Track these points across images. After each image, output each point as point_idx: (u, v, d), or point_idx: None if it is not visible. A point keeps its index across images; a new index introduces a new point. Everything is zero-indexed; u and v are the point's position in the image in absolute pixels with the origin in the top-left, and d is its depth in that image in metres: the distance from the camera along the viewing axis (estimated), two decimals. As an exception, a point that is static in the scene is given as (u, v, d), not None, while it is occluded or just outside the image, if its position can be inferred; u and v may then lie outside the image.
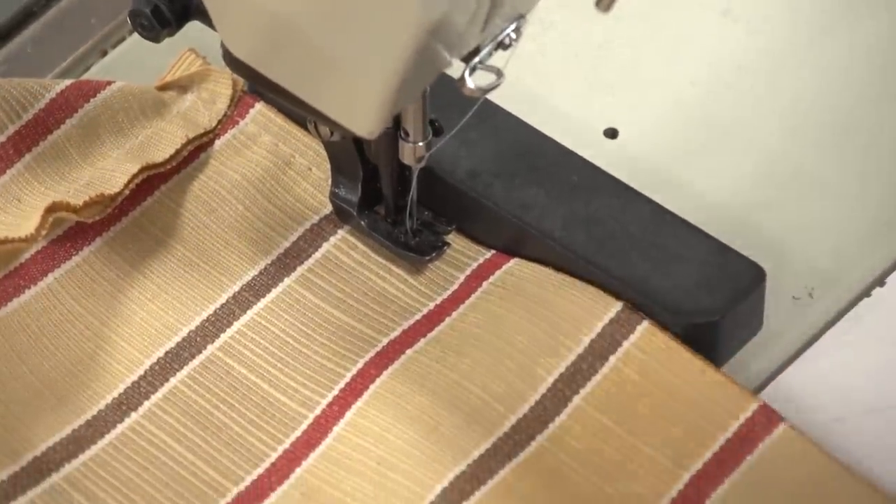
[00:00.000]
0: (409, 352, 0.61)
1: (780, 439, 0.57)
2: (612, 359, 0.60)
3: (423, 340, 0.61)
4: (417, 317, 0.62)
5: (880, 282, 0.60)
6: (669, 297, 0.58)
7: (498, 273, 0.62)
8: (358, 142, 0.59)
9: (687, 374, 0.57)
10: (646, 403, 0.56)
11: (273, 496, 0.59)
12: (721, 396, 0.56)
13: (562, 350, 0.57)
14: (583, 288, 0.58)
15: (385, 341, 0.62)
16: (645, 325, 0.58)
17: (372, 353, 0.61)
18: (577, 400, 0.59)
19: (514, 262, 0.61)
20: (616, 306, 0.58)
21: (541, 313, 0.57)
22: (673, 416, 0.56)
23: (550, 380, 0.59)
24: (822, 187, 0.64)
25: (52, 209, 0.62)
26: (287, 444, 0.60)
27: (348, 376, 0.61)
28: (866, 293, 0.59)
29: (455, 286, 0.61)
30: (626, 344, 0.60)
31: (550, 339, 0.57)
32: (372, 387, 0.60)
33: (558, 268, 0.61)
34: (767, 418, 0.56)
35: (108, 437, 0.59)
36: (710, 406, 0.56)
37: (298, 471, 0.59)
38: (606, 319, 0.58)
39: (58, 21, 0.68)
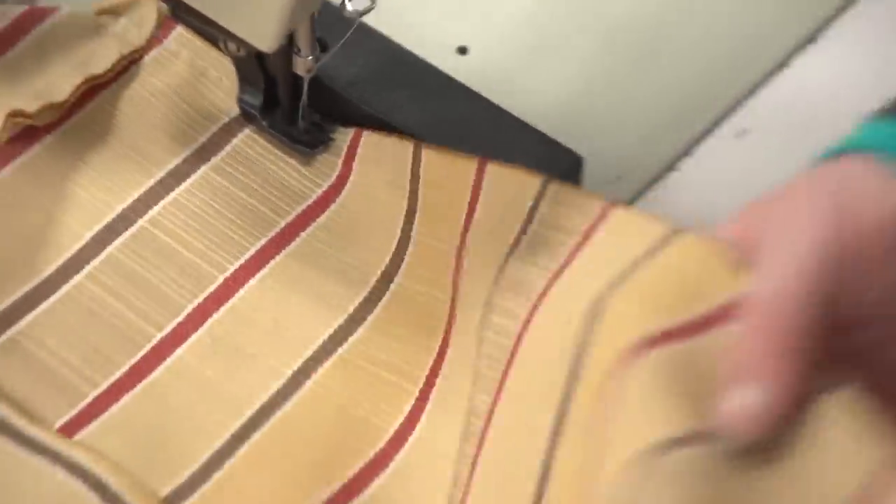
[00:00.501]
0: (303, 234, 0.70)
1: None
2: None
3: (313, 225, 0.70)
4: (309, 202, 0.71)
5: (674, 168, 0.73)
6: None
7: (359, 150, 0.70)
8: (260, 56, 0.68)
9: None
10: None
11: (189, 341, 0.68)
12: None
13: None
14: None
15: (283, 223, 0.71)
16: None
17: (272, 234, 0.70)
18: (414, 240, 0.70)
19: (365, 135, 0.69)
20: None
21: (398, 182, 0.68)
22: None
23: (398, 231, 0.69)
24: (631, 90, 0.75)
25: (12, 115, 0.69)
26: (201, 298, 0.69)
27: (252, 250, 0.70)
28: (661, 176, 0.72)
29: (337, 170, 0.70)
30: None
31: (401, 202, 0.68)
32: (272, 262, 0.70)
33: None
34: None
35: (55, 296, 0.68)
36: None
37: (209, 321, 0.68)
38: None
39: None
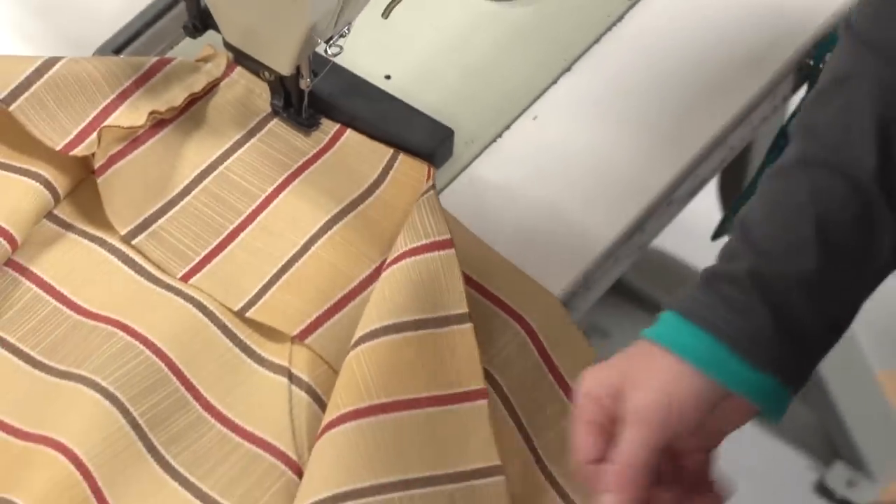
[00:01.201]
0: (305, 173, 1.04)
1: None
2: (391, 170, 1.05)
3: (311, 168, 1.04)
4: (308, 155, 1.05)
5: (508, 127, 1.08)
6: (410, 142, 1.06)
7: (337, 144, 1.05)
8: (281, 79, 1.03)
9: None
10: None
11: (251, 226, 1.01)
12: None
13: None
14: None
15: (294, 166, 1.04)
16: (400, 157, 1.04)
17: (288, 173, 1.04)
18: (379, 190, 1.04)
19: (346, 135, 1.05)
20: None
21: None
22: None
23: (366, 184, 1.04)
24: (481, 80, 1.10)
25: (151, 113, 1.03)
26: (253, 206, 1.02)
27: (279, 180, 1.03)
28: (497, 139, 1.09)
29: (326, 141, 1.05)
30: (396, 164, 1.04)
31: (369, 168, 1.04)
32: (288, 187, 1.03)
33: (361, 131, 1.06)
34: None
35: (179, 205, 1.05)
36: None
37: (258, 218, 1.02)
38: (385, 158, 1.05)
39: (158, 33, 1.12)
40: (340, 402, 0.90)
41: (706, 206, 1.57)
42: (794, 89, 1.20)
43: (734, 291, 0.86)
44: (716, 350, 0.85)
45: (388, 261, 0.96)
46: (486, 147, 1.10)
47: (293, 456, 0.94)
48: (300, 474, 0.93)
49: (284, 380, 0.98)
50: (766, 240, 0.86)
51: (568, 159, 1.09)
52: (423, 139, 1.06)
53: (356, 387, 0.90)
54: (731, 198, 1.63)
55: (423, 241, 0.95)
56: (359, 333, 0.93)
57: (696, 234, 1.49)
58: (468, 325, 0.93)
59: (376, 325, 0.92)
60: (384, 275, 0.95)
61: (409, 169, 1.05)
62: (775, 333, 0.85)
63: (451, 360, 0.93)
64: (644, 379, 0.85)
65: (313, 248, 1.02)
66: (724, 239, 0.89)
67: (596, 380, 0.86)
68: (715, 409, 0.85)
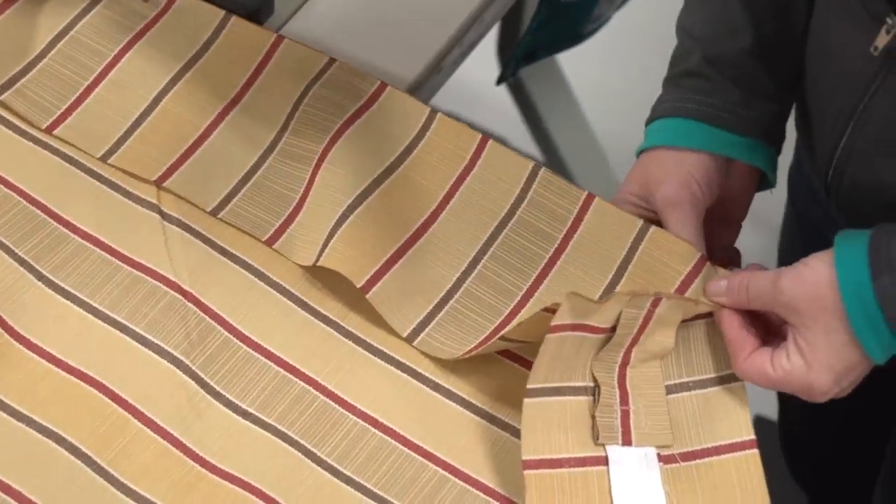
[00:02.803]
0: (139, 42, 1.13)
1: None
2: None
3: (147, 34, 1.13)
4: (143, 24, 1.13)
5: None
6: (236, 1, 1.18)
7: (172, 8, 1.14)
8: None
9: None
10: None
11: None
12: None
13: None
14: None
15: (130, 35, 1.13)
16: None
17: (125, 40, 1.13)
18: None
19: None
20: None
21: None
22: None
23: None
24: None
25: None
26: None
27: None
28: None
29: (160, 6, 1.14)
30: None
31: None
32: (126, 56, 1.12)
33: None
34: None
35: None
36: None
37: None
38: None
39: None
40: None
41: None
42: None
43: (697, 82, 1.04)
44: (706, 130, 1.03)
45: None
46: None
47: (173, 278, 1.05)
48: (181, 293, 1.04)
49: (156, 215, 1.09)
50: (708, 30, 1.04)
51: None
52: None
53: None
54: (508, 50, 1.80)
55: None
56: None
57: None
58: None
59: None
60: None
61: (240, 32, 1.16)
62: (744, 101, 1.03)
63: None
64: (662, 176, 1.02)
65: (163, 102, 1.13)
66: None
67: (622, 194, 1.05)
68: (729, 176, 1.04)
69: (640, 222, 1.04)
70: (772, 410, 1.59)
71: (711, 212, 1.04)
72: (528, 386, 0.95)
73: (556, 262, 1.04)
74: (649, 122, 1.05)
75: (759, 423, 1.92)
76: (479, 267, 1.04)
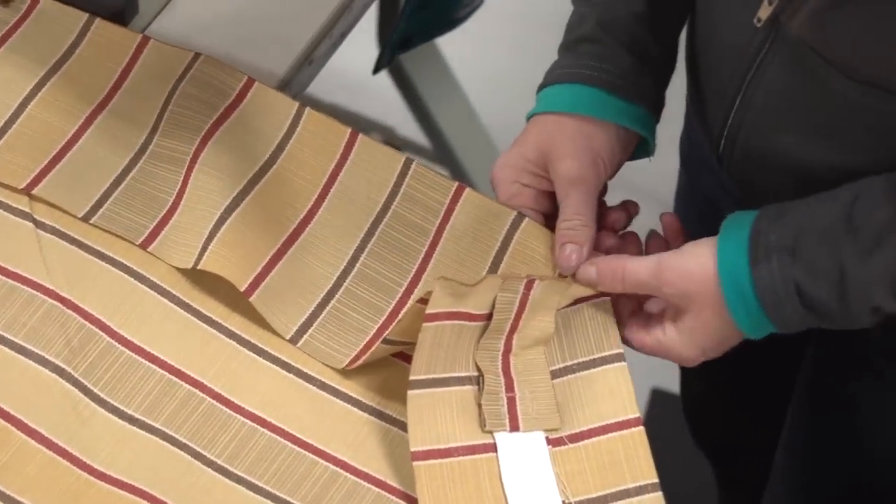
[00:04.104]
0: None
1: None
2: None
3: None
4: (4, 29, 1.14)
5: None
6: (100, 3, 1.15)
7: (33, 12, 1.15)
8: None
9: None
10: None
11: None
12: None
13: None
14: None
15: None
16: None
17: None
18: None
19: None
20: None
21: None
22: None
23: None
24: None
25: None
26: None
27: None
28: None
29: (20, 12, 1.16)
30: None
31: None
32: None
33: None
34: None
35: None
36: None
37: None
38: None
39: None
40: None
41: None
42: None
43: (592, 47, 1.04)
44: (601, 97, 1.02)
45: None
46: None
47: (50, 286, 1.04)
48: (60, 300, 1.03)
49: (29, 223, 1.07)
50: None
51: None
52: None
53: None
54: (387, 34, 1.80)
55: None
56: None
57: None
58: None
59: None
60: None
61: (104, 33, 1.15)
62: (636, 68, 1.03)
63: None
64: (567, 149, 1.00)
65: (29, 108, 1.12)
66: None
67: (516, 160, 1.03)
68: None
69: (514, 213, 1.04)
70: (674, 383, 1.61)
71: None
72: (411, 378, 0.95)
73: (431, 256, 1.04)
74: (543, 87, 1.05)
75: (663, 395, 1.97)
76: (357, 265, 1.05)
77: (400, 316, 1.02)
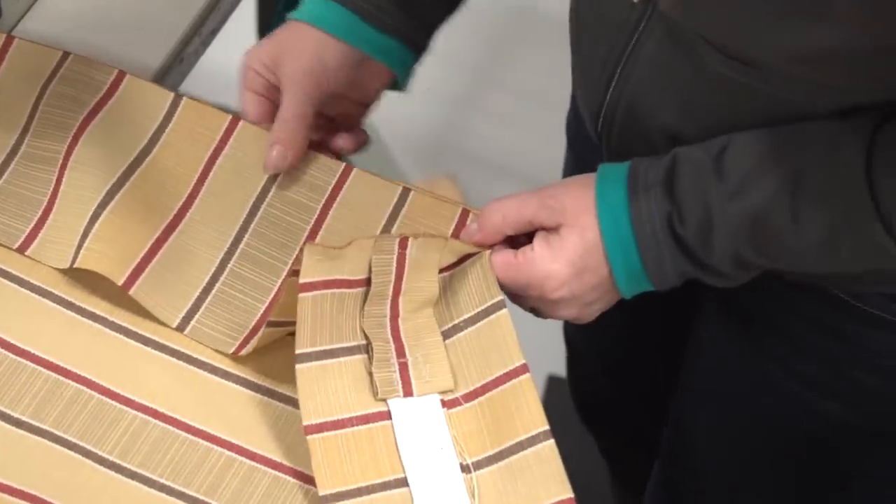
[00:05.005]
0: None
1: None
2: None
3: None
4: None
5: None
6: None
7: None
8: None
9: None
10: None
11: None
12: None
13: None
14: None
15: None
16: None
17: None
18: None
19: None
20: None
21: None
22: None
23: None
24: None
25: None
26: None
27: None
28: None
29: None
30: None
31: None
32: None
33: None
34: None
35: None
36: None
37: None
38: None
39: None
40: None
41: None
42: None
43: None
44: (351, 20, 1.03)
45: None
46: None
47: None
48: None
49: None
50: None
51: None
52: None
53: None
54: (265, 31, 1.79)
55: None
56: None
57: None
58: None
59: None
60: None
61: None
62: (397, 1, 1.05)
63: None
64: (297, 49, 1.03)
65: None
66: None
67: (256, 55, 1.05)
68: (359, 71, 1.05)
69: (400, 188, 1.04)
70: (563, 368, 1.62)
71: (338, 99, 1.07)
72: (297, 352, 0.95)
73: (317, 233, 1.04)
74: None
75: (554, 381, 1.99)
76: (241, 245, 1.04)
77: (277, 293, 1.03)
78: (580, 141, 1.23)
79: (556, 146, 1.30)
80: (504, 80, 2.28)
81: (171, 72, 1.23)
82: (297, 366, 0.95)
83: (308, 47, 1.04)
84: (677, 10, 0.92)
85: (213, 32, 1.28)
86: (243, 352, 1.00)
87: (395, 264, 0.97)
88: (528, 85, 2.29)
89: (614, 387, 1.50)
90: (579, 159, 1.26)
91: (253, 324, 1.02)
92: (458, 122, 2.21)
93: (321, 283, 0.96)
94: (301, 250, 1.03)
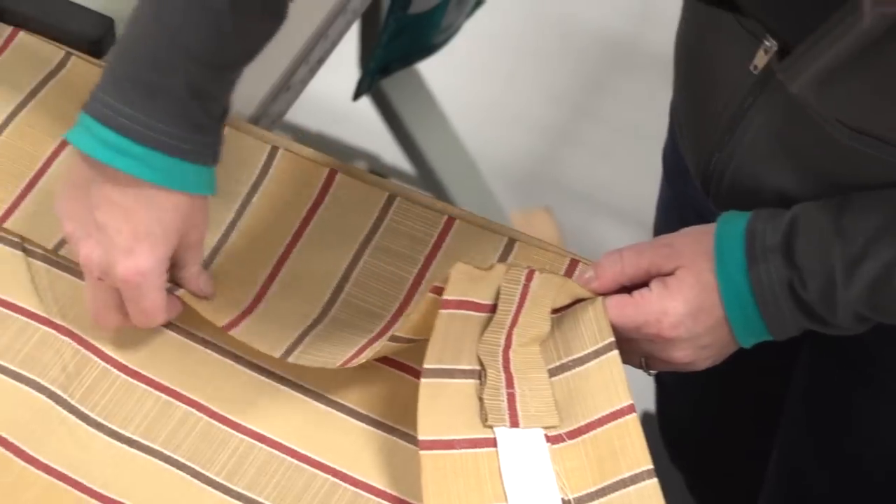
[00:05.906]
0: None
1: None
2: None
3: None
4: None
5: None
6: (77, 33, 1.15)
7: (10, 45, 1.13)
8: None
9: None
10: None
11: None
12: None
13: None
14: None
15: None
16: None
17: None
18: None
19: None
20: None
21: None
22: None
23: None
24: None
25: None
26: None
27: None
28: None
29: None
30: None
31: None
32: None
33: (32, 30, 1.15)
34: None
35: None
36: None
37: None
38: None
39: None
40: None
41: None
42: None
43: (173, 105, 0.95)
44: (168, 162, 0.94)
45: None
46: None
47: (43, 313, 1.05)
48: (53, 327, 1.04)
49: (20, 252, 1.08)
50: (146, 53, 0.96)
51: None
52: (88, 29, 1.17)
53: None
54: (368, 60, 1.82)
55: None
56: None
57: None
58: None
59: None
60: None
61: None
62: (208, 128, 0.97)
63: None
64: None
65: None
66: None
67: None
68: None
69: (505, 239, 1.06)
70: (648, 403, 1.62)
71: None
72: (424, 366, 0.96)
73: (420, 283, 1.05)
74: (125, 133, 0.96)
75: (644, 416, 1.97)
76: (342, 295, 1.05)
77: (409, 310, 1.03)
78: (678, 173, 1.22)
79: (652, 179, 1.30)
80: (601, 113, 2.29)
81: (278, 100, 1.23)
82: (422, 379, 0.96)
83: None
84: (810, 94, 0.90)
85: (321, 61, 1.29)
86: (350, 364, 1.00)
87: (518, 296, 0.98)
88: (624, 118, 2.30)
89: (706, 425, 1.49)
90: (679, 195, 1.26)
91: (361, 345, 1.02)
92: (555, 153, 2.22)
93: (455, 302, 0.97)
94: (406, 299, 1.05)
